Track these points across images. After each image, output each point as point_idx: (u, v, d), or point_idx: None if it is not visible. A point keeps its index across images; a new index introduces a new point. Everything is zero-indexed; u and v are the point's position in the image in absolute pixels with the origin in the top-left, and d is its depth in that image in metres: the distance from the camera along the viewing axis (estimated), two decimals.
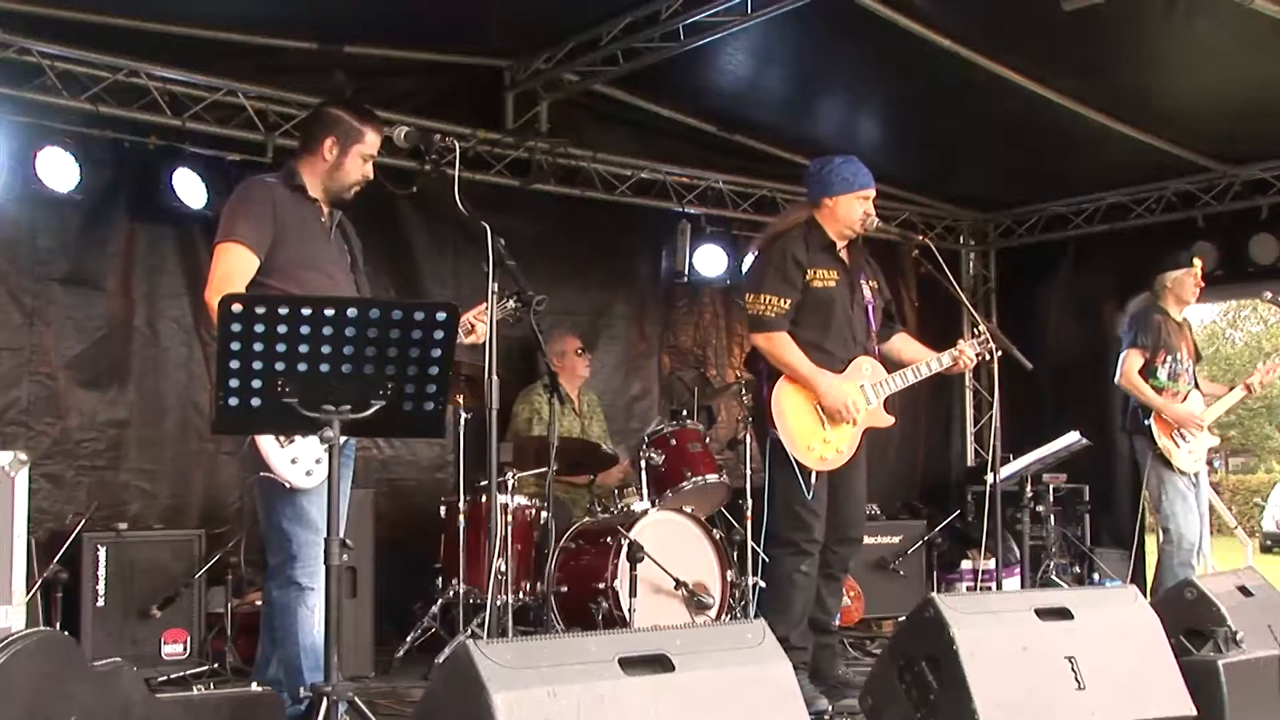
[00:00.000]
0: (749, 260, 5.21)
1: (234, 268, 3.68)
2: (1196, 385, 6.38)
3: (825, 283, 4.90)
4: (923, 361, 5.06)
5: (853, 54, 6.64)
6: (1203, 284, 6.38)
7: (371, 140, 3.92)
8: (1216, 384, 6.80)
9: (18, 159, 5.54)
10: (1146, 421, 6.19)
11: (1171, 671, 3.65)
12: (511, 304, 4.01)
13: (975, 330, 5.10)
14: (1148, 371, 6.21)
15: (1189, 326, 6.49)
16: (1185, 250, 6.54)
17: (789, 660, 3.03)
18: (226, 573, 5.46)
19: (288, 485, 3.59)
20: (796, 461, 4.79)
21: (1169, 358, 6.22)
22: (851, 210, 4.90)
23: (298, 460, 3.59)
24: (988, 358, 5.02)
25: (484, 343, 3.79)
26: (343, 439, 3.08)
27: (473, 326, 3.95)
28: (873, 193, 4.95)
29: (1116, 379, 6.29)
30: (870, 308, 5.06)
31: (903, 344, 5.19)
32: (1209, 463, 6.50)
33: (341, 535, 3.07)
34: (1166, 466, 6.17)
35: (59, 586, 4.99)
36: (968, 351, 5.03)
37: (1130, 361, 6.22)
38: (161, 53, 5.93)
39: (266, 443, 3.55)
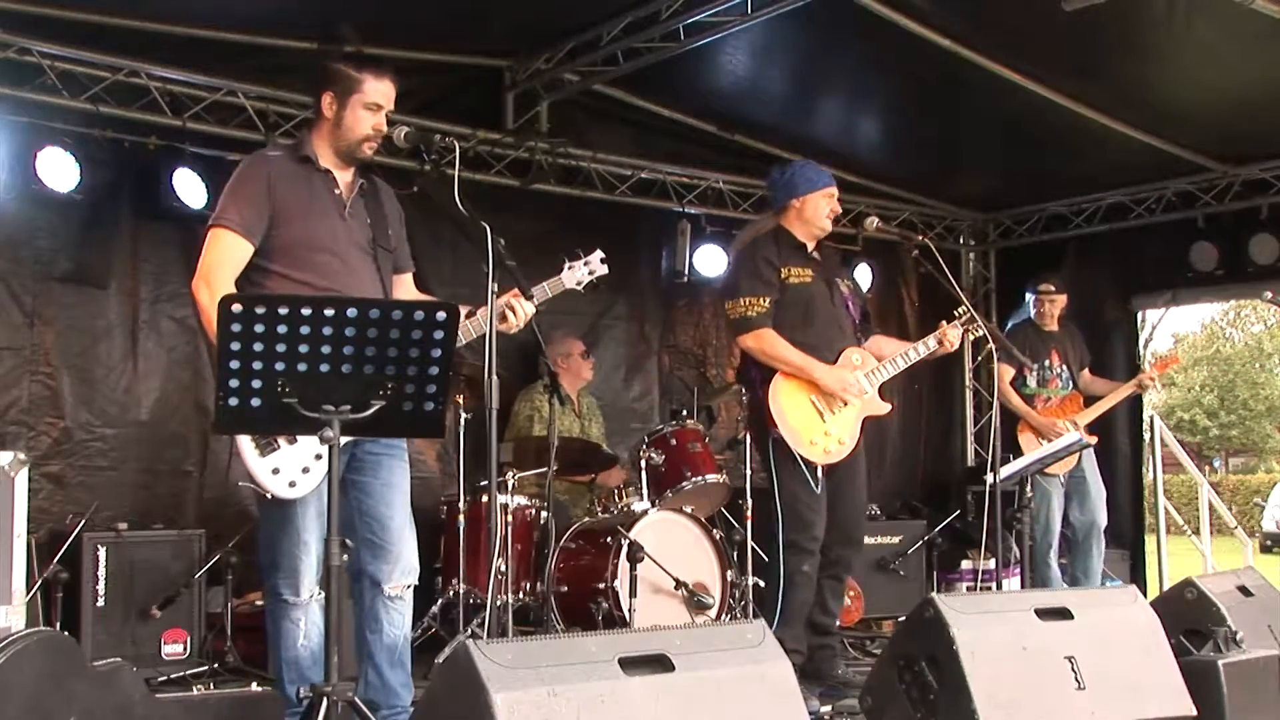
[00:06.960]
0: (723, 271, 5.30)
1: (223, 255, 3.55)
2: (1076, 386, 6.86)
3: (801, 279, 5.04)
4: (910, 347, 5.20)
5: (853, 54, 6.63)
6: (1054, 310, 6.87)
7: (372, 88, 3.65)
8: (1114, 382, 7.18)
9: (18, 159, 5.54)
10: (1016, 429, 6.71)
11: (1171, 671, 3.65)
12: (589, 269, 3.97)
13: (957, 311, 5.17)
14: (1019, 381, 6.75)
15: (1069, 334, 6.97)
16: (1051, 273, 7.04)
17: (788, 660, 3.03)
18: (226, 573, 5.46)
19: (269, 496, 3.49)
20: (801, 457, 4.83)
21: (1036, 365, 6.76)
22: (819, 208, 5.08)
23: (280, 470, 3.48)
24: (972, 336, 5.27)
25: (483, 343, 3.78)
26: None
27: (506, 313, 3.75)
28: (835, 191, 5.15)
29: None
30: (850, 304, 5.15)
31: (881, 343, 5.31)
32: (1209, 462, 6.64)
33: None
34: None
35: (59, 586, 5.00)
36: (950, 333, 5.15)
37: (999, 375, 6.61)
38: (161, 53, 5.93)
39: (247, 452, 3.45)
